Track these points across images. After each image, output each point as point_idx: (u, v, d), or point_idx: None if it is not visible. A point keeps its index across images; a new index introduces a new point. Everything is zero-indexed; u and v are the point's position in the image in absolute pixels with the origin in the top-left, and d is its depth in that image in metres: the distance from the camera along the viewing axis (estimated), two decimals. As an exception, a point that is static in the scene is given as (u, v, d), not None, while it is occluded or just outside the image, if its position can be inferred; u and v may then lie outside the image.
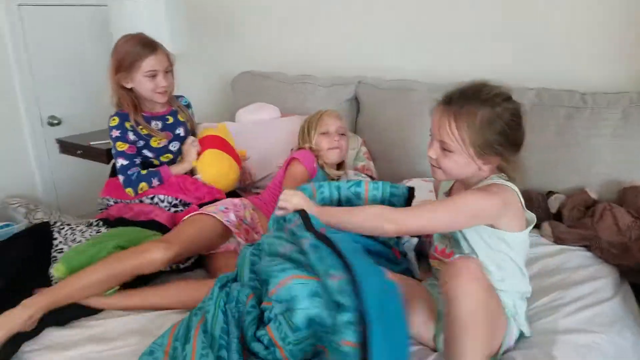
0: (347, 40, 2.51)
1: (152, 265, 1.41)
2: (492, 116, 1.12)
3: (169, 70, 1.84)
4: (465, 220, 1.16)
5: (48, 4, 2.65)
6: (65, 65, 2.76)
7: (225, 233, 1.62)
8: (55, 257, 1.56)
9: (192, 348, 1.06)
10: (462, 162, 1.16)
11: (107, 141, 1.98)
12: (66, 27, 2.74)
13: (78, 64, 2.81)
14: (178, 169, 1.89)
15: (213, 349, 1.05)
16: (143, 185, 1.82)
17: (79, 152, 2.42)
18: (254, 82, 2.61)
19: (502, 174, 1.21)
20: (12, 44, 2.53)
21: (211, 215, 1.60)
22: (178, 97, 2.02)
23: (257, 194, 2.00)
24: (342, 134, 1.91)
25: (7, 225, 2.09)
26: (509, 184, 1.18)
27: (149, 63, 1.77)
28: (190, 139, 1.97)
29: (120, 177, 1.82)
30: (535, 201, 1.81)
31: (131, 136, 1.84)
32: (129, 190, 1.81)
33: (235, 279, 1.30)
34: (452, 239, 1.25)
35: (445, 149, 1.17)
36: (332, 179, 1.84)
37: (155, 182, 1.84)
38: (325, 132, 1.88)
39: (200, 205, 1.76)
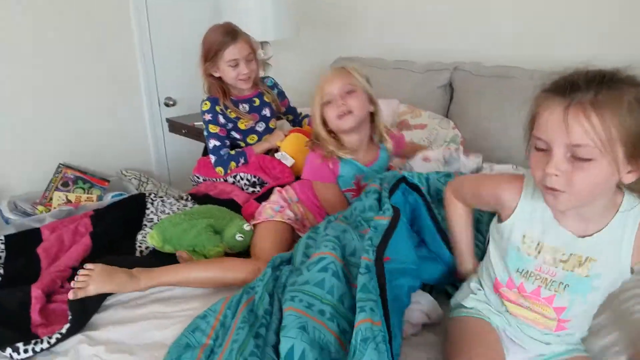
0: (446, 25, 2.40)
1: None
2: (638, 96, 0.82)
3: (250, 58, 1.91)
4: None
5: (169, -6, 2.86)
6: (180, 51, 2.95)
7: (290, 228, 1.61)
8: (145, 224, 1.72)
9: (235, 321, 1.11)
10: (603, 174, 0.82)
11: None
12: (182, 15, 2.94)
13: (192, 50, 2.99)
14: (259, 148, 1.97)
15: (253, 326, 1.08)
16: (232, 164, 1.93)
17: (184, 131, 2.62)
18: (349, 68, 2.61)
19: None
20: (137, 32, 2.78)
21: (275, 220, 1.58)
22: (264, 78, 2.11)
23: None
24: (350, 92, 1.52)
25: (120, 195, 2.33)
26: None
27: (230, 52, 1.86)
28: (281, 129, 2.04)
29: (212, 157, 1.95)
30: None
31: (221, 119, 1.95)
32: (220, 169, 1.93)
33: (289, 261, 1.33)
34: (559, 284, 0.98)
35: (578, 157, 0.82)
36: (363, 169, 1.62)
37: (242, 161, 1.94)
38: (329, 101, 1.53)
39: (258, 199, 1.77)
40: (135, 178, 2.59)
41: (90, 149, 2.69)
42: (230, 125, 1.97)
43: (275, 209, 1.62)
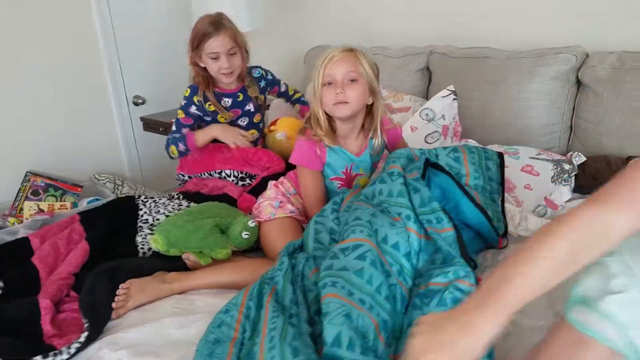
0: (421, 8, 2.43)
1: None
2: None
3: (233, 52, 1.85)
4: None
5: (132, -12, 2.75)
6: (148, 47, 2.87)
7: (297, 221, 1.60)
8: (141, 227, 1.66)
9: (265, 312, 1.09)
10: None
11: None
12: (149, 10, 2.84)
13: (160, 46, 2.91)
14: (205, 135, 1.91)
15: (284, 316, 1.07)
16: (172, 148, 1.92)
17: (161, 129, 2.55)
18: (324, 57, 2.61)
19: None
20: (101, 30, 2.64)
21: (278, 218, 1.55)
22: (253, 68, 2.05)
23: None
24: (354, 80, 1.43)
25: (96, 200, 2.25)
26: None
27: (211, 45, 1.81)
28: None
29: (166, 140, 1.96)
30: (614, 166, 1.73)
31: (193, 109, 1.92)
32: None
33: (302, 247, 1.33)
34: None
35: None
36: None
37: (181, 146, 1.91)
38: (329, 83, 1.44)
39: (252, 192, 1.76)
40: (109, 181, 2.49)
41: (58, 154, 2.57)
42: (208, 118, 1.95)
43: (275, 205, 1.58)
